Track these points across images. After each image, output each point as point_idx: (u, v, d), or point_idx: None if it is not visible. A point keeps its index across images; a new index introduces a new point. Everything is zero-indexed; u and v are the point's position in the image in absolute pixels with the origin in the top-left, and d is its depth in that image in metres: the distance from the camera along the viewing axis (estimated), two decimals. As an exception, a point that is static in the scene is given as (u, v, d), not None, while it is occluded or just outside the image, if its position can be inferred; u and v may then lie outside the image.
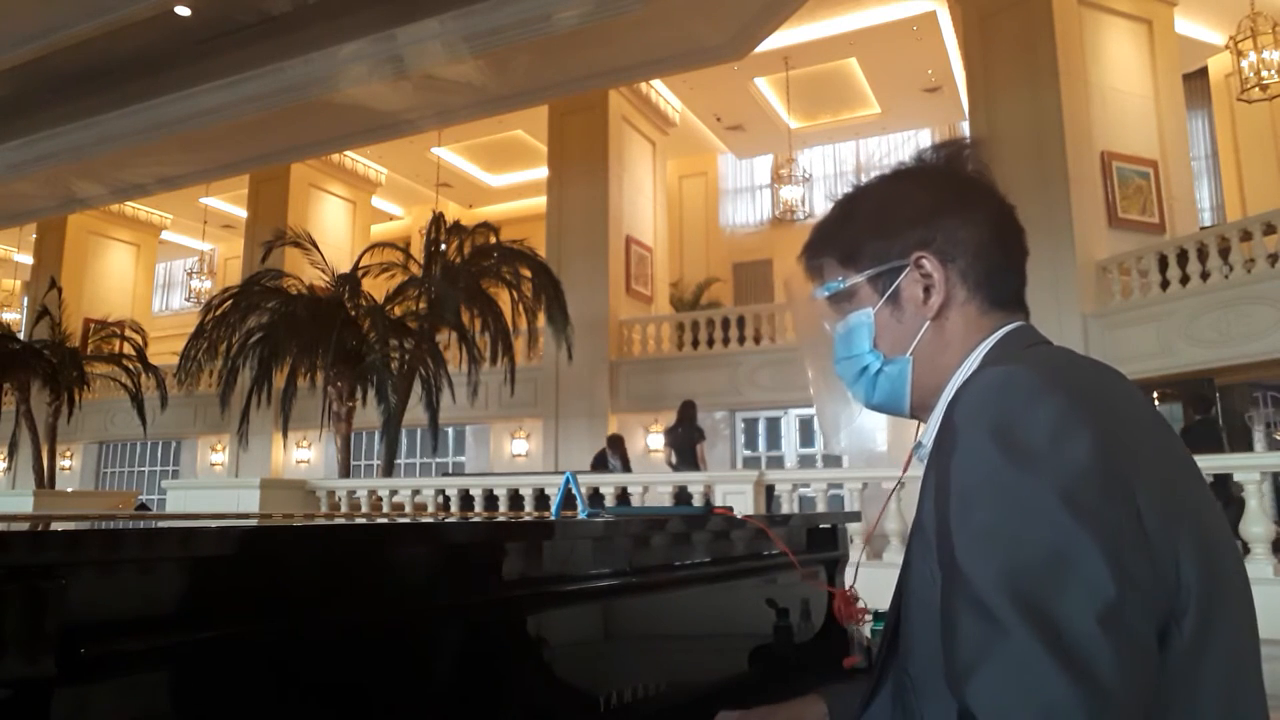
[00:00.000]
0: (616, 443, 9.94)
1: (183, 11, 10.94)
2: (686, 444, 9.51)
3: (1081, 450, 0.68)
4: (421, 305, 10.46)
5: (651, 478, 7.88)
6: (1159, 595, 0.68)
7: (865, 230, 0.93)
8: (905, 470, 1.03)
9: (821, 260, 0.97)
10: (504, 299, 10.43)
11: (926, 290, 0.89)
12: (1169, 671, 0.68)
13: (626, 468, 9.76)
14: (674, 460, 9.70)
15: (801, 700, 1.20)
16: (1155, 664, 0.66)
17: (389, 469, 10.44)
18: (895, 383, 0.92)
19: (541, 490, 7.55)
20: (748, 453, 12.55)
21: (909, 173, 0.96)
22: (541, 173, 14.51)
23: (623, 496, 7.35)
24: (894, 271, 0.91)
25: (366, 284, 10.70)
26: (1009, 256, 0.91)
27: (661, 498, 7.18)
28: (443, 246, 10.58)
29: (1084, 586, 0.64)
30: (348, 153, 15.83)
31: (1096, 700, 0.61)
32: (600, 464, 9.73)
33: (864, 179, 0.99)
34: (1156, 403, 9.01)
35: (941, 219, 0.90)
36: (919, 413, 0.94)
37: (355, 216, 16.71)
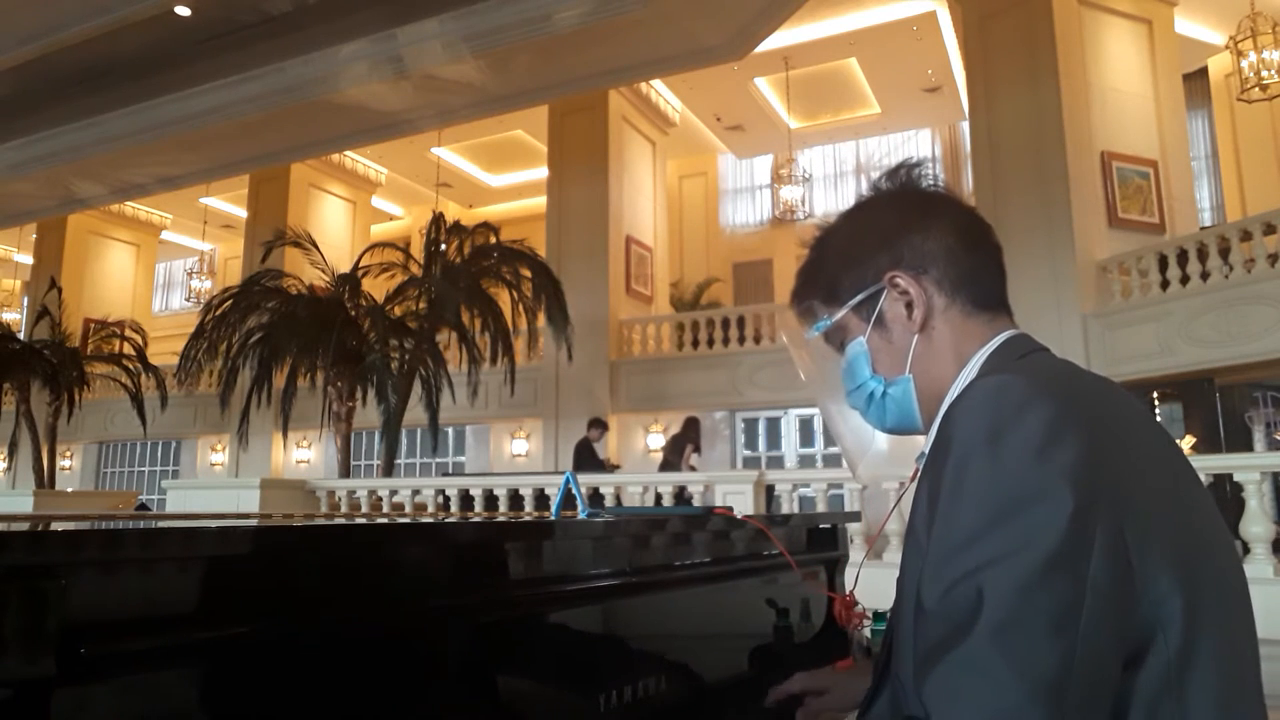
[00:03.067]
0: (595, 422, 10.07)
1: (183, 11, 10.94)
2: (676, 451, 9.79)
3: (1068, 457, 0.70)
4: (421, 305, 10.46)
5: (651, 478, 7.88)
6: (1138, 605, 0.70)
7: (839, 264, 0.98)
8: (913, 479, 1.04)
9: (809, 304, 1.02)
10: (504, 299, 10.43)
11: (909, 306, 0.93)
12: (1156, 681, 0.70)
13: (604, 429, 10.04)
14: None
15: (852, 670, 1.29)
16: (1112, 673, 0.68)
17: (389, 469, 10.44)
18: (902, 403, 0.96)
19: (541, 490, 7.55)
20: (748, 453, 12.54)
21: (869, 203, 1.01)
22: (541, 173, 14.50)
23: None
24: (874, 296, 0.95)
25: (366, 284, 10.70)
26: (978, 255, 0.95)
27: (661, 498, 7.17)
28: (443, 246, 10.58)
29: (1051, 592, 0.66)
30: (348, 153, 15.81)
31: (1049, 710, 0.64)
32: (585, 449, 9.75)
33: (831, 219, 1.05)
34: (1157, 404, 9.01)
35: (906, 236, 0.94)
36: (930, 428, 0.96)
37: (355, 216, 16.70)
